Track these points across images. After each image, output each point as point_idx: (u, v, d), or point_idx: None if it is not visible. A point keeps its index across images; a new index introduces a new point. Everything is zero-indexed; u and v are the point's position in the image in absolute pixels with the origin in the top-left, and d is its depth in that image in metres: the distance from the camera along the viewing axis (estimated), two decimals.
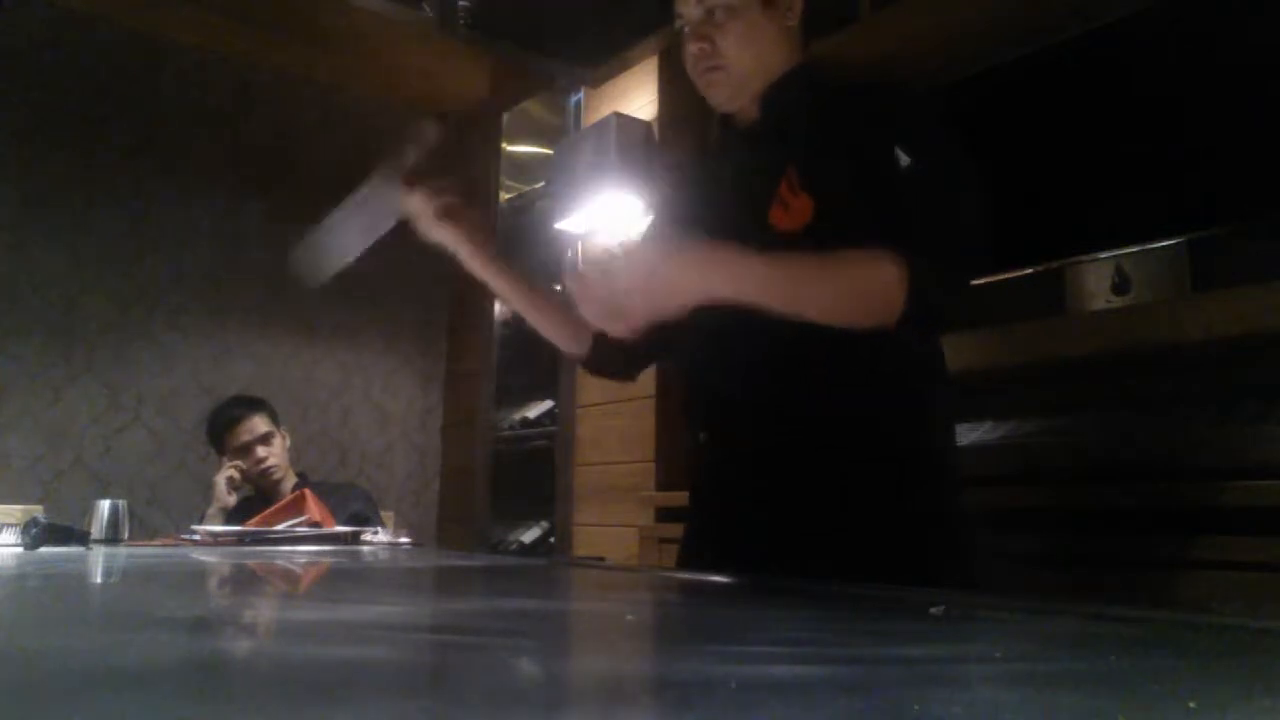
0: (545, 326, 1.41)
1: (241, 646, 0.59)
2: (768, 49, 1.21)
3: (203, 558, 1.47)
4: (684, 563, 1.30)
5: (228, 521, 2.38)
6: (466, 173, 3.93)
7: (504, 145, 3.87)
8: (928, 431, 1.17)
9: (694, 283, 0.99)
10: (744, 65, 1.20)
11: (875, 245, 1.02)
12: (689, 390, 1.31)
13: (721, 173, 1.31)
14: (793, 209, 1.12)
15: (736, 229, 1.16)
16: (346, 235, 1.38)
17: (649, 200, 1.45)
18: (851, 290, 1.03)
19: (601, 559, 2.24)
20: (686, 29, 1.22)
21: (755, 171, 1.21)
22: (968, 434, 1.93)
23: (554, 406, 3.34)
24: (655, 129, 2.98)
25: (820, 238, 1.08)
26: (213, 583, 1.12)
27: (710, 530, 1.27)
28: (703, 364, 1.26)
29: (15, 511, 2.21)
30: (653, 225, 1.45)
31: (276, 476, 2.57)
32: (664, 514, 2.57)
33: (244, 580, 1.16)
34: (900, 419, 1.14)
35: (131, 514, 2.02)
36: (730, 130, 1.29)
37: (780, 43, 1.22)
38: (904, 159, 1.07)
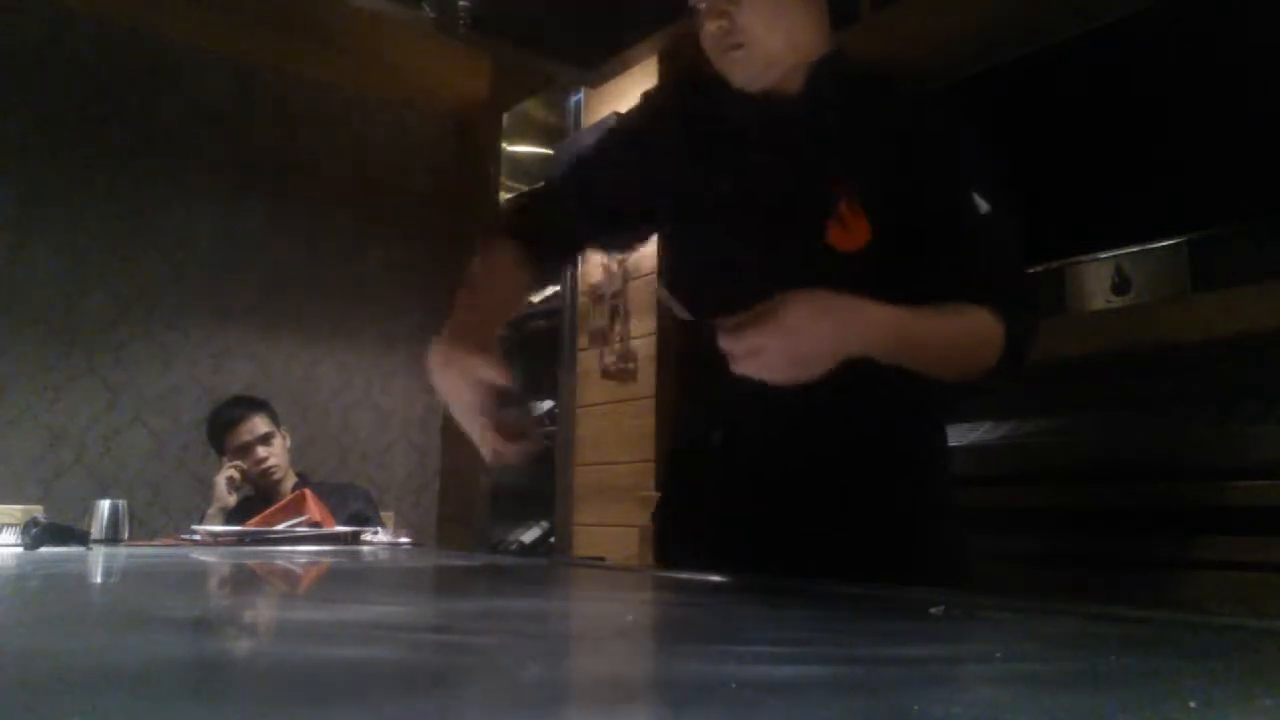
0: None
1: (241, 646, 0.59)
2: (795, 25, 1.14)
3: (203, 558, 1.47)
4: (666, 550, 1.29)
5: (228, 521, 2.38)
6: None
7: (504, 145, 3.87)
8: (930, 432, 1.17)
9: (838, 344, 0.95)
10: (769, 43, 1.13)
11: (945, 287, 1.03)
12: (715, 390, 1.24)
13: (760, 156, 1.21)
14: (851, 230, 1.09)
15: (792, 239, 1.14)
16: None
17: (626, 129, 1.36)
18: (967, 346, 1.03)
19: (601, 559, 2.24)
20: (703, 5, 1.15)
21: (800, 169, 1.16)
22: (968, 434, 1.93)
23: (554, 406, 3.34)
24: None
25: (878, 262, 1.08)
26: (213, 583, 1.12)
27: (712, 527, 1.26)
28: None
29: (15, 511, 2.21)
30: (610, 150, 1.36)
31: (276, 476, 2.57)
32: None
33: (244, 580, 1.16)
34: (905, 420, 1.14)
35: (131, 514, 2.02)
36: (763, 109, 1.19)
37: (809, 19, 1.15)
38: (982, 206, 1.07)
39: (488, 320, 1.22)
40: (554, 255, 1.35)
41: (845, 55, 1.20)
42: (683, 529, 1.29)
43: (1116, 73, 1.94)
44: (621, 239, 1.43)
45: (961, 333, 1.03)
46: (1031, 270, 2.04)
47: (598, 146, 1.36)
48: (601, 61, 3.14)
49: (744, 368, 0.94)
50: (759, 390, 1.14)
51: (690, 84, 1.32)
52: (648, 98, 1.44)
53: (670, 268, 1.36)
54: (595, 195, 1.31)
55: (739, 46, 1.13)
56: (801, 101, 1.18)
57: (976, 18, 2.14)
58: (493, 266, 1.26)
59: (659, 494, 1.35)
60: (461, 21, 2.69)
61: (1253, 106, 1.74)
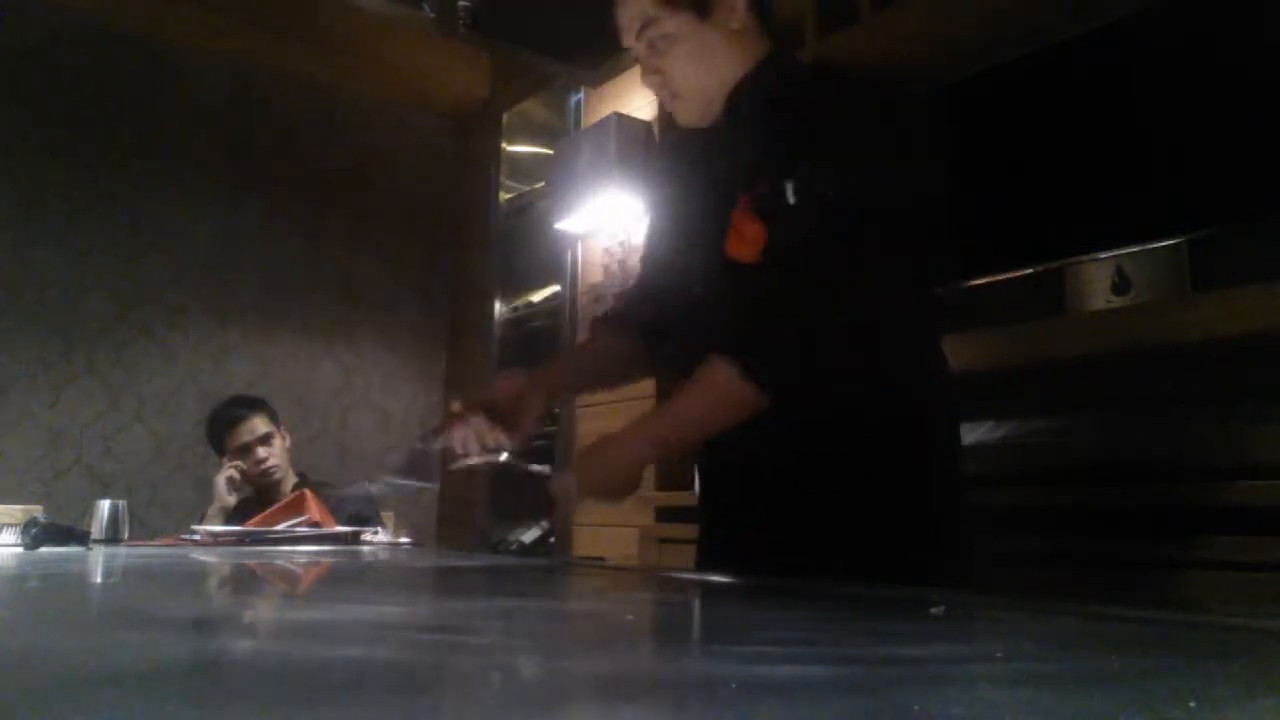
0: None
1: (241, 646, 0.59)
2: (718, 62, 1.18)
3: (203, 558, 1.47)
4: (703, 562, 1.30)
5: (228, 521, 2.38)
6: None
7: (504, 145, 3.87)
8: (931, 432, 1.16)
9: (615, 471, 1.13)
10: (699, 85, 1.18)
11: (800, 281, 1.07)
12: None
13: (683, 181, 1.31)
14: (747, 237, 1.12)
15: (698, 259, 1.21)
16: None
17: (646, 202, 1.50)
18: (708, 412, 1.11)
19: (601, 559, 2.24)
20: (638, 60, 1.22)
21: (709, 190, 1.21)
22: (968, 434, 1.93)
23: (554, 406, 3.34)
24: (655, 129, 2.98)
25: (768, 270, 1.09)
26: (213, 583, 1.12)
27: (717, 531, 1.27)
28: (684, 366, 1.25)
29: (15, 511, 2.21)
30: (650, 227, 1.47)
31: (276, 477, 2.57)
32: (664, 514, 2.57)
33: (244, 580, 1.16)
34: (902, 420, 1.14)
35: (131, 514, 2.02)
36: (694, 133, 1.27)
37: (730, 49, 1.18)
38: (789, 196, 1.08)
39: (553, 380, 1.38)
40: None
41: (774, 64, 1.21)
42: (705, 531, 1.30)
43: (1116, 73, 1.94)
44: None
45: (704, 407, 1.11)
46: (1032, 269, 2.04)
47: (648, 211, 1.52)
48: (601, 61, 3.14)
49: (563, 508, 1.07)
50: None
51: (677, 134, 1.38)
52: (653, 149, 1.60)
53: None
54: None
55: (676, 96, 1.20)
56: (718, 128, 1.22)
57: (976, 18, 2.14)
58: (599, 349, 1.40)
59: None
60: (461, 21, 2.69)
61: (1253, 106, 1.74)
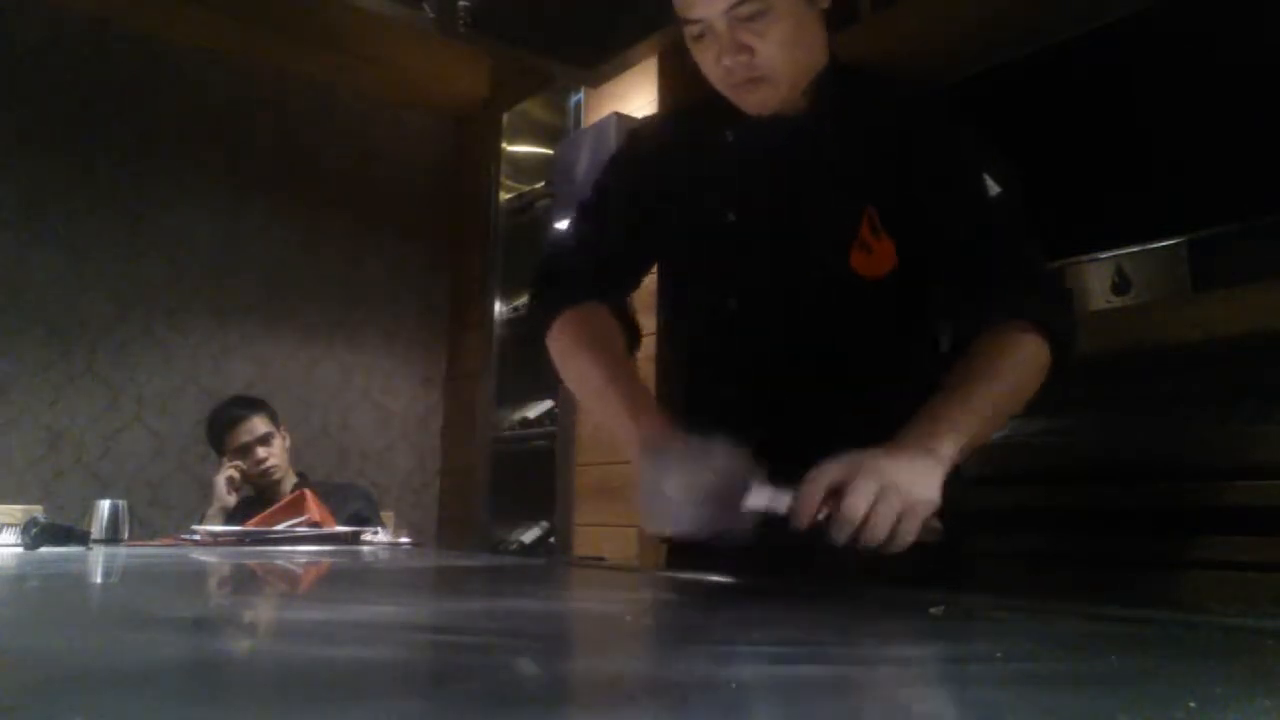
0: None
1: (241, 646, 0.59)
2: (811, 44, 1.07)
3: (203, 558, 1.47)
4: (677, 556, 1.28)
5: (228, 521, 2.38)
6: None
7: (504, 145, 3.87)
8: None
9: (929, 489, 0.89)
10: (791, 71, 1.05)
11: (968, 291, 1.02)
12: (739, 401, 1.17)
13: (764, 175, 1.14)
14: (875, 253, 1.05)
15: (810, 266, 1.10)
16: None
17: (624, 163, 1.23)
18: (1020, 390, 1.01)
19: (601, 559, 2.24)
20: (708, 35, 1.03)
21: (823, 192, 1.10)
22: None
23: (554, 406, 3.34)
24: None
25: (904, 286, 1.06)
26: (213, 583, 1.11)
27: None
28: (755, 376, 1.15)
29: (15, 511, 2.21)
30: (618, 190, 1.26)
31: (276, 477, 2.57)
32: None
33: (244, 580, 1.16)
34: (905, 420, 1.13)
35: (131, 514, 2.02)
36: (760, 124, 1.12)
37: (818, 33, 1.08)
38: (992, 189, 1.04)
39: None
40: (621, 303, 1.23)
41: (838, 61, 1.16)
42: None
43: (1117, 73, 1.94)
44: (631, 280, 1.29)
45: (1011, 385, 1.00)
46: None
47: (597, 189, 1.27)
48: (601, 61, 3.14)
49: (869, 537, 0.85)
50: (745, 406, 1.11)
51: (689, 112, 1.25)
52: (635, 135, 1.35)
53: (672, 301, 1.29)
54: (606, 239, 1.23)
55: (760, 80, 1.05)
56: (806, 119, 1.12)
57: (976, 18, 2.14)
58: (596, 341, 1.15)
59: None
60: (461, 21, 2.69)
61: (1253, 106, 1.74)
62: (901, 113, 1.13)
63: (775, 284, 1.12)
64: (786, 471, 0.91)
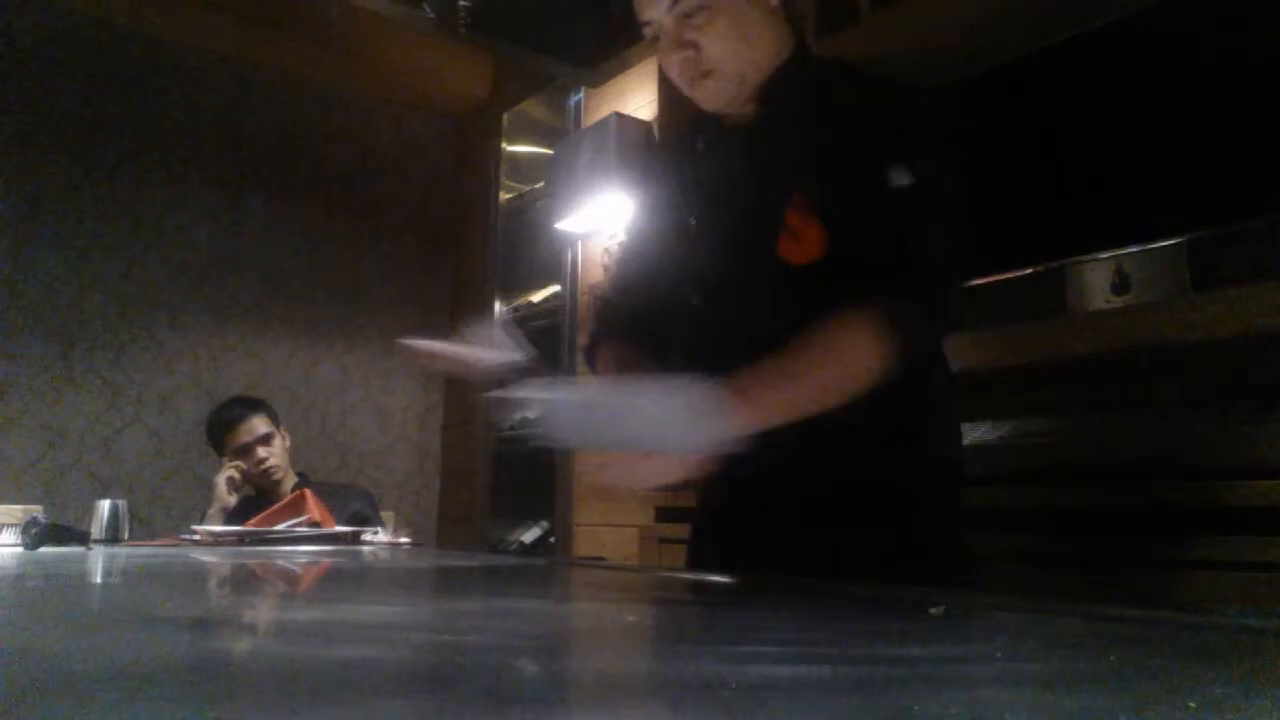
0: None
1: (241, 646, 0.59)
2: (757, 41, 1.11)
3: (203, 558, 1.47)
4: (692, 562, 1.29)
5: (228, 521, 2.38)
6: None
7: (504, 145, 3.87)
8: (932, 432, 1.16)
9: (708, 440, 0.96)
10: (737, 65, 1.10)
11: (873, 281, 1.02)
12: None
13: (716, 178, 1.22)
14: (803, 240, 1.06)
15: (747, 259, 1.12)
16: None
17: (641, 200, 1.35)
18: (841, 380, 1.00)
19: (601, 559, 2.24)
20: (662, 37, 1.11)
21: (757, 185, 1.15)
22: (968, 434, 1.93)
23: None
24: (655, 129, 2.98)
25: (829, 272, 1.05)
26: (213, 583, 1.12)
27: (714, 533, 1.26)
28: (719, 370, 1.20)
29: (15, 511, 2.21)
30: (642, 229, 1.36)
31: (277, 477, 2.57)
32: (664, 514, 2.57)
33: (244, 580, 1.16)
34: (904, 420, 1.14)
35: (131, 514, 2.03)
36: (722, 127, 1.20)
37: (769, 29, 1.13)
38: (896, 179, 1.03)
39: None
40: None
41: (805, 56, 1.18)
42: (699, 532, 1.29)
43: (1117, 73, 1.94)
44: None
45: (835, 372, 1.00)
46: (1032, 269, 2.04)
47: (628, 230, 1.39)
48: (601, 61, 3.14)
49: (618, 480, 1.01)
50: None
51: (680, 125, 1.33)
52: (648, 166, 1.42)
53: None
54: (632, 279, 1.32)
55: (708, 75, 1.11)
56: (757, 117, 1.16)
57: (976, 18, 2.14)
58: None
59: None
60: (461, 21, 2.69)
61: (1253, 106, 1.74)
62: (839, 100, 1.14)
63: (726, 278, 1.16)
64: (754, 468, 1.00)
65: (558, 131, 3.66)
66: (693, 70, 1.11)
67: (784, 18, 1.16)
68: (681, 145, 1.28)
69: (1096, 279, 1.97)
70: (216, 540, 1.87)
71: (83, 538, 1.64)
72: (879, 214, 1.04)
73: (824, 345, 1.01)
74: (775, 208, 1.09)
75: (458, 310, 4.09)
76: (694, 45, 1.09)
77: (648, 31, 1.13)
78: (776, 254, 1.08)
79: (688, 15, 1.08)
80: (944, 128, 1.14)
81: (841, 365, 1.00)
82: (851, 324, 1.00)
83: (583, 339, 1.39)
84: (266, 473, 2.55)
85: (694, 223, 1.21)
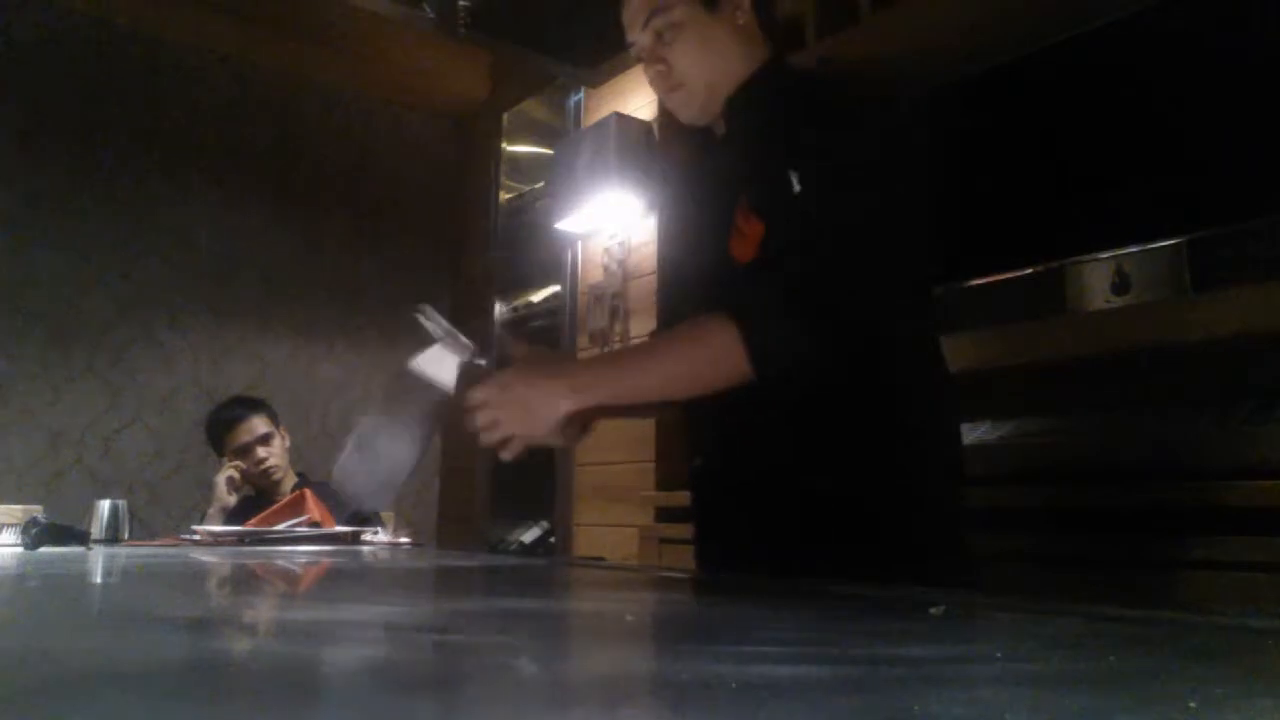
0: None
1: (241, 646, 0.59)
2: (723, 55, 1.18)
3: (203, 558, 1.47)
4: (699, 561, 1.30)
5: (228, 521, 2.38)
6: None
7: (504, 145, 3.87)
8: (929, 432, 1.16)
9: (548, 408, 1.07)
10: (703, 78, 1.18)
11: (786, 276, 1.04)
12: (687, 416, 1.28)
13: (699, 182, 1.31)
14: (748, 238, 1.11)
15: (704, 261, 1.20)
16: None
17: (655, 205, 1.48)
18: (688, 368, 1.06)
19: (601, 559, 2.23)
20: (642, 55, 1.21)
21: (717, 192, 1.20)
22: (968, 434, 1.93)
23: None
24: (655, 129, 2.98)
25: (764, 268, 1.08)
26: (213, 583, 1.12)
27: (715, 533, 1.27)
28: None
29: (15, 511, 2.21)
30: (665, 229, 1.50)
31: (276, 477, 2.57)
32: (664, 514, 2.57)
33: (244, 580, 1.16)
34: (900, 420, 1.14)
35: (131, 514, 2.03)
36: (711, 135, 1.27)
37: (735, 44, 1.19)
38: (798, 185, 1.05)
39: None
40: None
41: (778, 68, 1.22)
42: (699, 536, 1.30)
43: (1117, 73, 1.94)
44: None
45: (681, 358, 1.07)
46: (1032, 269, 2.04)
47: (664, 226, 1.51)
48: (601, 61, 3.14)
49: (485, 439, 1.11)
50: (726, 419, 1.15)
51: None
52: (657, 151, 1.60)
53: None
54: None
55: (679, 87, 1.19)
56: (726, 132, 1.23)
57: (976, 18, 2.14)
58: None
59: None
60: (461, 21, 2.69)
61: (1253, 107, 1.74)
62: (789, 105, 1.17)
63: (693, 277, 1.25)
64: (754, 469, 1.12)
65: (558, 131, 3.66)
66: (664, 83, 1.21)
67: (755, 33, 1.21)
68: (685, 151, 1.41)
69: (1096, 279, 1.97)
70: (216, 540, 1.87)
71: (83, 538, 1.64)
72: (798, 215, 1.07)
73: (675, 338, 1.09)
74: (727, 210, 1.15)
75: (458, 310, 4.09)
76: (664, 61, 1.18)
77: (633, 51, 1.23)
78: (729, 254, 1.14)
79: (659, 34, 1.18)
80: (906, 141, 1.18)
81: (687, 357, 1.07)
82: (707, 326, 1.04)
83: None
84: (266, 473, 2.55)
85: (675, 232, 1.34)
